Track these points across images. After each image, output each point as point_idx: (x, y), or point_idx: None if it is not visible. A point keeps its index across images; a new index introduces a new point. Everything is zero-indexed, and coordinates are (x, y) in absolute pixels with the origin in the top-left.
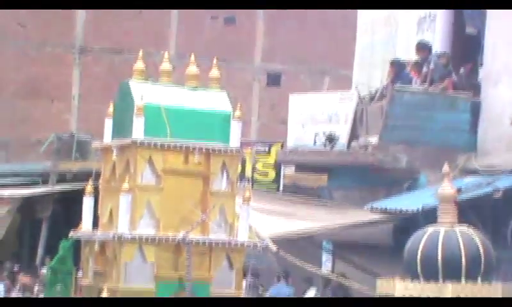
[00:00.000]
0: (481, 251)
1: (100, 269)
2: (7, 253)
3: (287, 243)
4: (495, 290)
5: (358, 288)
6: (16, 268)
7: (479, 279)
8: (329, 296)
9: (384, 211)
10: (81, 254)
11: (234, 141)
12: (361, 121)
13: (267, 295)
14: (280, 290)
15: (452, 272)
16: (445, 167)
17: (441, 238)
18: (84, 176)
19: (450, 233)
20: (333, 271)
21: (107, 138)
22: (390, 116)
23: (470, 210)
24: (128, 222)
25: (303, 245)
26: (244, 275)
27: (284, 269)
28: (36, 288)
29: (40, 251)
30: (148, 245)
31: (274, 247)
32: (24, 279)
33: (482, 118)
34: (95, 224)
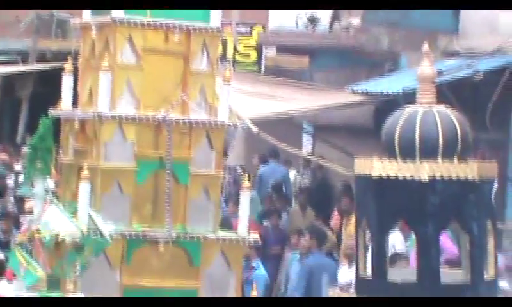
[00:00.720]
0: (458, 130)
1: (80, 147)
2: None
3: (268, 124)
4: (470, 169)
5: (337, 168)
6: None
7: (455, 158)
8: (308, 177)
9: (365, 93)
10: (61, 132)
11: (215, 21)
12: None
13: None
14: (275, 169)
15: (428, 151)
16: (425, 47)
17: (419, 118)
18: (63, 55)
19: (428, 113)
20: (313, 153)
21: (87, 16)
22: None
23: (450, 92)
24: (108, 101)
25: (284, 126)
26: (224, 155)
27: (273, 149)
28: (17, 166)
29: (21, 129)
30: (127, 124)
31: (254, 129)
32: (2, 155)
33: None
34: (75, 102)
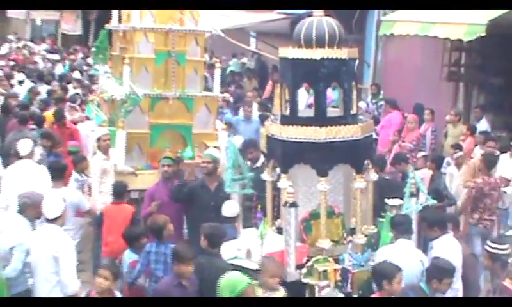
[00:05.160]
0: (336, 30)
1: (123, 46)
2: None
3: (229, 31)
4: (343, 52)
5: (269, 56)
6: None
7: (335, 46)
8: (253, 62)
9: (285, 13)
10: (112, 37)
11: None
12: None
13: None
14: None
15: (320, 42)
16: None
17: (315, 23)
18: None
19: (319, 20)
20: (256, 48)
21: None
22: None
23: (332, 12)
24: (138, 18)
25: (238, 33)
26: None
27: None
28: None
29: (91, 37)
30: (149, 32)
31: (221, 33)
32: (73, 56)
33: None
34: (120, 20)
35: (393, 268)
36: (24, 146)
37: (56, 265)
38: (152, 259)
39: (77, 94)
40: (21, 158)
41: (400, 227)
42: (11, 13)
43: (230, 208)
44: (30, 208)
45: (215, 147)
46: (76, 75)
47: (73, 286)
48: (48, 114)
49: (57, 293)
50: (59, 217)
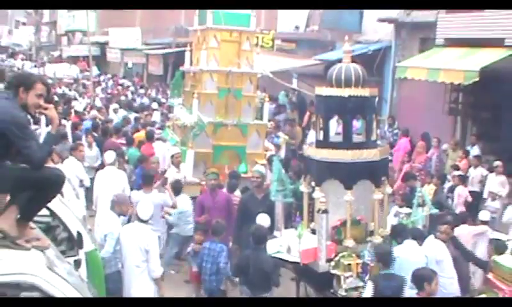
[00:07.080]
0: (361, 74)
1: (193, 83)
2: None
3: (276, 73)
4: (366, 91)
5: (307, 93)
6: None
7: (360, 86)
8: (294, 97)
9: (320, 59)
10: (185, 77)
11: (252, 25)
12: None
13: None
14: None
15: (348, 82)
16: (346, 44)
17: (343, 68)
18: (184, 44)
19: (348, 66)
20: (297, 86)
21: None
22: None
23: (357, 58)
24: (205, 62)
25: (284, 74)
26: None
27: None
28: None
29: (168, 76)
30: (213, 73)
31: (271, 75)
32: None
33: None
34: (191, 63)
35: (431, 272)
36: (109, 156)
37: (145, 255)
38: (205, 253)
39: (155, 121)
40: (107, 165)
41: (400, 235)
42: (110, 57)
43: (263, 221)
44: (117, 205)
45: (262, 164)
46: (154, 105)
47: (158, 271)
48: (138, 135)
49: (145, 276)
50: (149, 219)
